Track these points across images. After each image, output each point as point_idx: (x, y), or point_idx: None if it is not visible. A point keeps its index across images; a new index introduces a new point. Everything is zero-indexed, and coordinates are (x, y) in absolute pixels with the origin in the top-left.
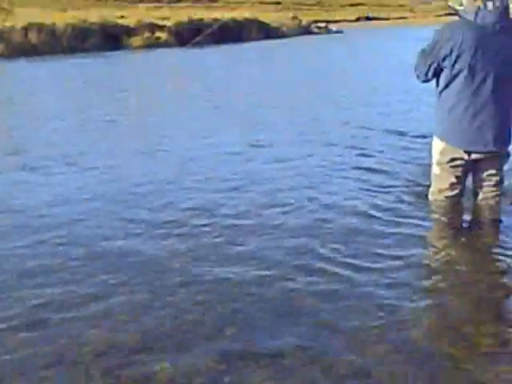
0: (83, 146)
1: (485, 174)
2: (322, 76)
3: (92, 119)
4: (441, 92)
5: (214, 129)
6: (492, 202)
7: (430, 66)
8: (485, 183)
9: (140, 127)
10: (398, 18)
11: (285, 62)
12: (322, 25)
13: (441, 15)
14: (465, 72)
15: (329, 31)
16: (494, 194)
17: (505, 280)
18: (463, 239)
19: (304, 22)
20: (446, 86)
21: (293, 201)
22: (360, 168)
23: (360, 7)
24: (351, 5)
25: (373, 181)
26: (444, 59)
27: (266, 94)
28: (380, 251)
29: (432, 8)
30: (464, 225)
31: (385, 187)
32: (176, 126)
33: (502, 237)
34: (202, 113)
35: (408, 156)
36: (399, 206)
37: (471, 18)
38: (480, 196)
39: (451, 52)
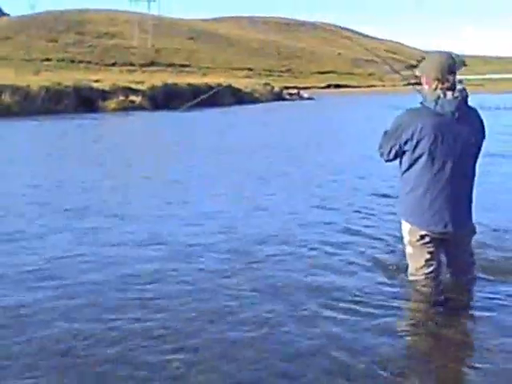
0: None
1: (454, 251)
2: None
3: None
4: (403, 173)
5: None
6: (466, 277)
7: (391, 148)
8: (455, 260)
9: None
10: (367, 86)
11: (258, 126)
12: (294, 91)
13: (408, 84)
14: (425, 156)
15: (301, 98)
16: (466, 268)
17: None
18: (438, 316)
19: (276, 88)
20: (408, 169)
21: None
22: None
23: (330, 75)
24: (321, 72)
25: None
26: (405, 143)
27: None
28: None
29: (399, 78)
30: (442, 302)
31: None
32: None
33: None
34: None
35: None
36: (379, 287)
37: (431, 105)
38: (453, 271)
39: (412, 137)
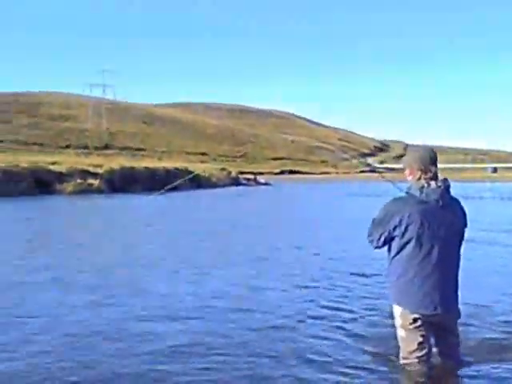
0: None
1: (442, 333)
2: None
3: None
4: (392, 258)
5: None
6: (451, 359)
7: (381, 235)
8: (445, 341)
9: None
10: (321, 173)
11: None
12: (251, 176)
13: (362, 172)
14: (413, 242)
15: (257, 183)
16: (452, 350)
17: None
18: None
19: (233, 173)
20: (397, 253)
21: None
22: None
23: (284, 161)
24: (274, 158)
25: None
26: (394, 229)
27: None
28: None
29: (353, 165)
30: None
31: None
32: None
33: None
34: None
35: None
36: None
37: (416, 194)
38: (442, 352)
39: (400, 223)
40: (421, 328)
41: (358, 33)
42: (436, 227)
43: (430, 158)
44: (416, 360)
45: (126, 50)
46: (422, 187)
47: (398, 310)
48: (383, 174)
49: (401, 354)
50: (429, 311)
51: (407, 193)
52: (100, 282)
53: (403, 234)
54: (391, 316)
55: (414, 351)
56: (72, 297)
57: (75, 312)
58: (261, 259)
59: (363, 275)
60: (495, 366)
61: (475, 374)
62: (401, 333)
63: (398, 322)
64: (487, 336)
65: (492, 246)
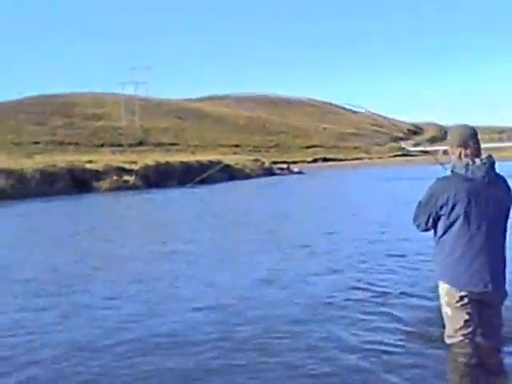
0: None
1: (488, 312)
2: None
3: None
4: (439, 238)
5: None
6: (494, 338)
7: (429, 216)
8: (489, 321)
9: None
10: (354, 159)
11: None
12: (284, 166)
13: (395, 156)
14: (461, 220)
15: (291, 172)
16: (495, 330)
17: None
18: (484, 379)
19: (266, 164)
20: (445, 233)
21: None
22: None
23: (317, 149)
24: (308, 147)
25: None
26: (441, 208)
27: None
28: None
29: (385, 150)
30: (480, 364)
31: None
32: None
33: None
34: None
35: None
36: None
37: (462, 172)
38: (485, 333)
39: (447, 202)
40: (467, 306)
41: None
42: (483, 204)
43: (468, 134)
44: (462, 337)
45: (157, 45)
46: (467, 165)
47: (444, 288)
48: (435, 157)
49: (446, 333)
50: (478, 289)
51: (452, 171)
52: None
53: (450, 213)
54: (435, 296)
55: (459, 329)
56: None
57: None
58: (303, 246)
59: (402, 256)
60: None
61: None
62: (447, 311)
63: (444, 300)
64: None
65: None
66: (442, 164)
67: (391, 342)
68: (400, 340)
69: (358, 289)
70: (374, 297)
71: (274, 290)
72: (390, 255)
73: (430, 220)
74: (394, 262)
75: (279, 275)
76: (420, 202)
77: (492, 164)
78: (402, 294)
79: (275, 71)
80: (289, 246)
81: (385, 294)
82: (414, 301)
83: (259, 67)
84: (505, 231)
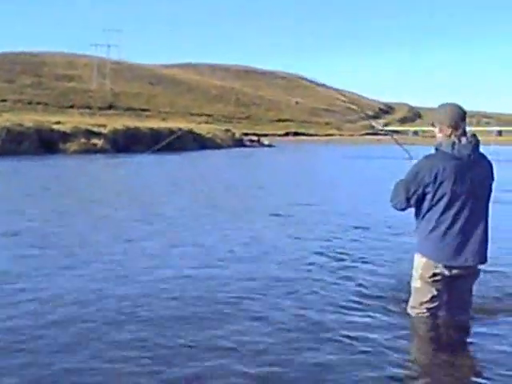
0: None
1: (460, 289)
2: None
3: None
4: (424, 215)
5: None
6: (466, 314)
7: (414, 193)
8: (459, 298)
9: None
10: (325, 135)
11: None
12: (255, 138)
13: (366, 134)
14: (446, 197)
15: (261, 144)
16: (467, 306)
17: None
18: (441, 353)
19: (237, 135)
20: (430, 209)
21: None
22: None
23: (288, 123)
24: (279, 120)
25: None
26: (427, 185)
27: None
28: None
29: (356, 127)
30: (440, 337)
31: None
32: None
33: (480, 347)
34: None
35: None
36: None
37: (448, 150)
38: (455, 308)
39: (435, 179)
40: (439, 283)
41: None
42: (468, 182)
43: (460, 115)
44: (425, 310)
45: (132, 8)
46: (454, 143)
47: (422, 262)
48: (394, 137)
49: (410, 304)
50: (458, 263)
51: (437, 149)
52: None
53: (436, 190)
54: (396, 265)
55: (425, 302)
56: None
57: None
58: (276, 215)
59: (368, 229)
60: (504, 322)
61: (484, 330)
62: (416, 284)
63: (417, 272)
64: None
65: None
66: (401, 145)
67: (350, 303)
68: (358, 303)
69: (323, 254)
70: (337, 261)
71: (250, 255)
72: (357, 227)
73: (414, 197)
74: (360, 233)
75: (257, 240)
76: (401, 181)
77: (477, 143)
78: (363, 261)
79: (251, 43)
80: (262, 214)
81: (347, 260)
82: (373, 267)
83: (235, 38)
84: (487, 209)
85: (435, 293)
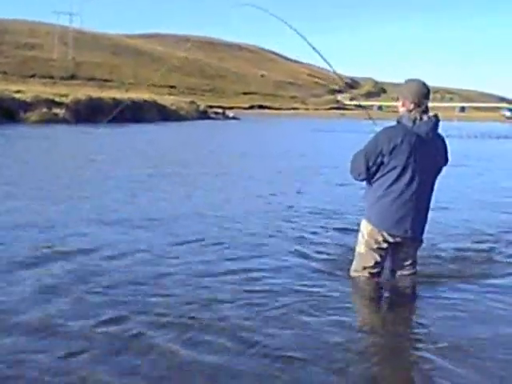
0: None
1: (403, 255)
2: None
3: None
4: (375, 180)
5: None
6: (408, 279)
7: (374, 162)
8: (402, 263)
9: None
10: (290, 109)
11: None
12: (220, 110)
13: (331, 108)
14: (399, 168)
15: (226, 117)
16: (410, 272)
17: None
18: (384, 312)
19: (201, 107)
20: (380, 178)
21: None
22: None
23: (253, 96)
24: (244, 93)
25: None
26: (384, 155)
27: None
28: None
29: (322, 102)
30: (384, 299)
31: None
32: None
33: (418, 309)
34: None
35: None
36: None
37: (409, 124)
38: (398, 274)
39: (392, 150)
40: (383, 250)
41: None
42: (422, 158)
43: (423, 93)
44: (367, 275)
45: None
46: (415, 119)
47: (368, 228)
48: (369, 112)
49: (352, 268)
50: (399, 233)
51: (398, 122)
52: None
53: (390, 161)
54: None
55: (368, 267)
56: None
57: None
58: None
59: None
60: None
61: (426, 295)
62: (360, 249)
63: (363, 238)
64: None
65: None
66: (373, 120)
67: (298, 268)
68: (306, 268)
69: (287, 222)
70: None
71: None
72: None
73: (375, 167)
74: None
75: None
76: (361, 151)
77: (436, 123)
78: (313, 233)
79: (217, 15)
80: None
81: (301, 230)
82: (321, 239)
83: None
84: (433, 186)
85: (379, 259)
